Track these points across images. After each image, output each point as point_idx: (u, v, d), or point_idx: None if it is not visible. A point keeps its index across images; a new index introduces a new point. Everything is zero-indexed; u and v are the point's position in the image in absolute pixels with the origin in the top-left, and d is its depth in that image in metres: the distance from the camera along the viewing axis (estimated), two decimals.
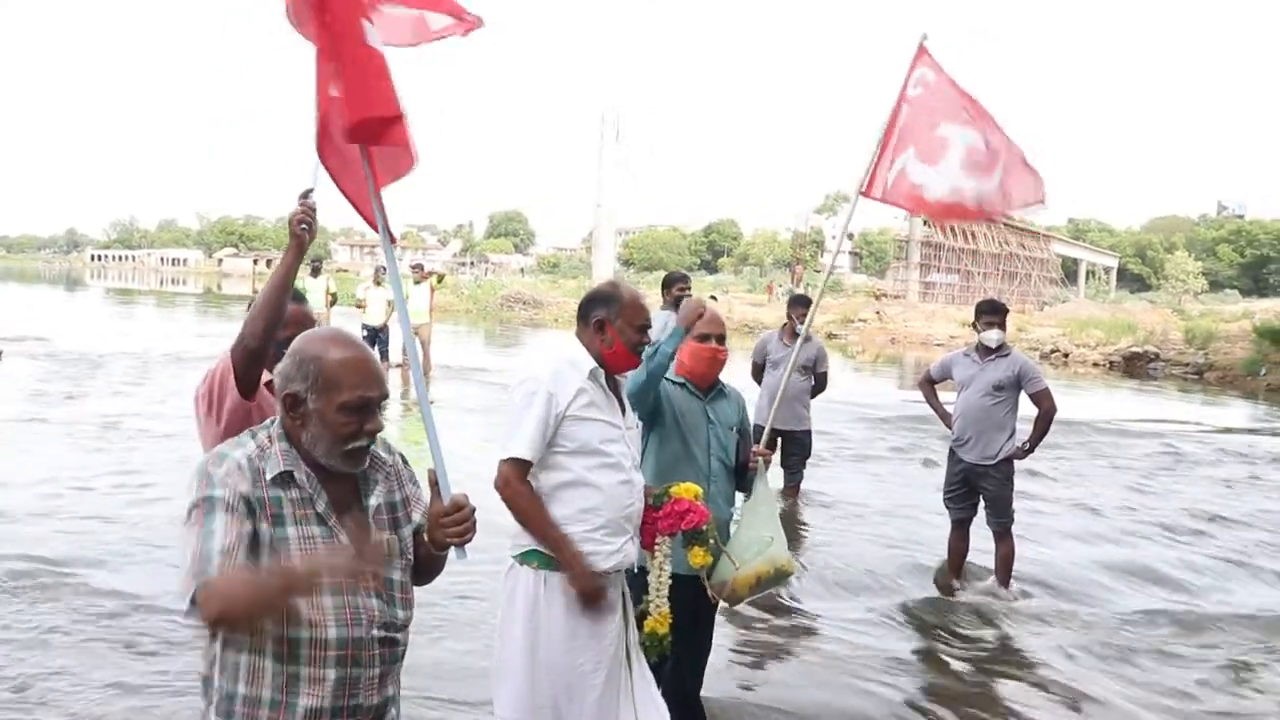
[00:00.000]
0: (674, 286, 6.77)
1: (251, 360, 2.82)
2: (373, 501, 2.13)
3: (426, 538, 2.18)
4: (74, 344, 18.38)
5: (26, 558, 5.85)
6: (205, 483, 1.95)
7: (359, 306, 14.79)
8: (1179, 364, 25.12)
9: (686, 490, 3.15)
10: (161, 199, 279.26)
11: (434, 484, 2.18)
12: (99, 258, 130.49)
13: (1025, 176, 4.58)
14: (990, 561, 6.39)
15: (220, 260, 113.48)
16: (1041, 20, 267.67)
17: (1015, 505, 6.34)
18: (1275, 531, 8.49)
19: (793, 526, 7.58)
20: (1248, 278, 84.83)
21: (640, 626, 3.18)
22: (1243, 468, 11.70)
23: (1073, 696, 4.89)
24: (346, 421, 2.02)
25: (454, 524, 2.14)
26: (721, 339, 3.77)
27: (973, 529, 6.45)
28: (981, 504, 6.31)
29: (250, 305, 3.04)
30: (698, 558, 3.20)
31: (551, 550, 2.98)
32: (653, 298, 5.20)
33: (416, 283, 15.26)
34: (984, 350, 6.25)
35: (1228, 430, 15.11)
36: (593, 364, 3.07)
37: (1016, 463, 6.27)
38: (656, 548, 3.18)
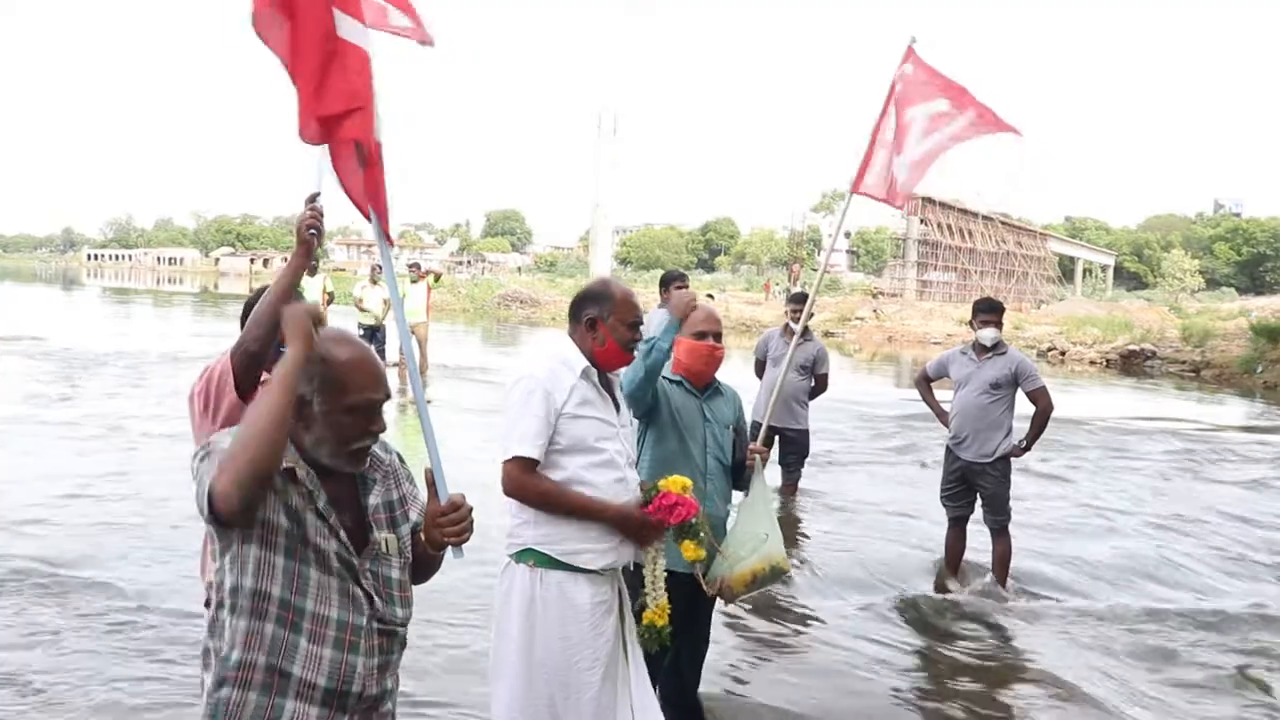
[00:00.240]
0: (671, 285, 6.79)
1: (252, 363, 2.83)
2: (371, 500, 2.14)
3: (423, 537, 2.19)
4: (71, 343, 18.37)
5: (27, 558, 5.85)
6: (213, 445, 1.97)
7: (357, 306, 14.78)
8: (1176, 362, 25.17)
9: (674, 483, 3.12)
10: (158, 198, 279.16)
11: (431, 483, 2.19)
12: (95, 257, 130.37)
13: (998, 122, 4.73)
14: (988, 559, 6.40)
15: (217, 259, 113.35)
16: (1040, 19, 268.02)
17: (1012, 503, 6.36)
18: (1277, 529, 8.50)
19: (790, 525, 7.59)
20: (1244, 276, 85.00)
21: (639, 621, 3.18)
22: (1242, 467, 11.71)
23: (1070, 694, 4.88)
24: (353, 423, 2.03)
25: (451, 523, 2.14)
26: (719, 337, 3.78)
27: (970, 527, 6.47)
28: (979, 502, 6.33)
29: (247, 305, 3.04)
30: (689, 551, 3.18)
31: (592, 517, 2.98)
32: (650, 297, 5.20)
33: (413, 281, 15.25)
34: (981, 348, 6.26)
35: (1226, 428, 15.14)
36: (585, 362, 3.07)
37: (1013, 460, 6.28)
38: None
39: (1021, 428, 6.28)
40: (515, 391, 3.02)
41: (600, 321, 3.10)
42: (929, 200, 51.74)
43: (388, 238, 2.66)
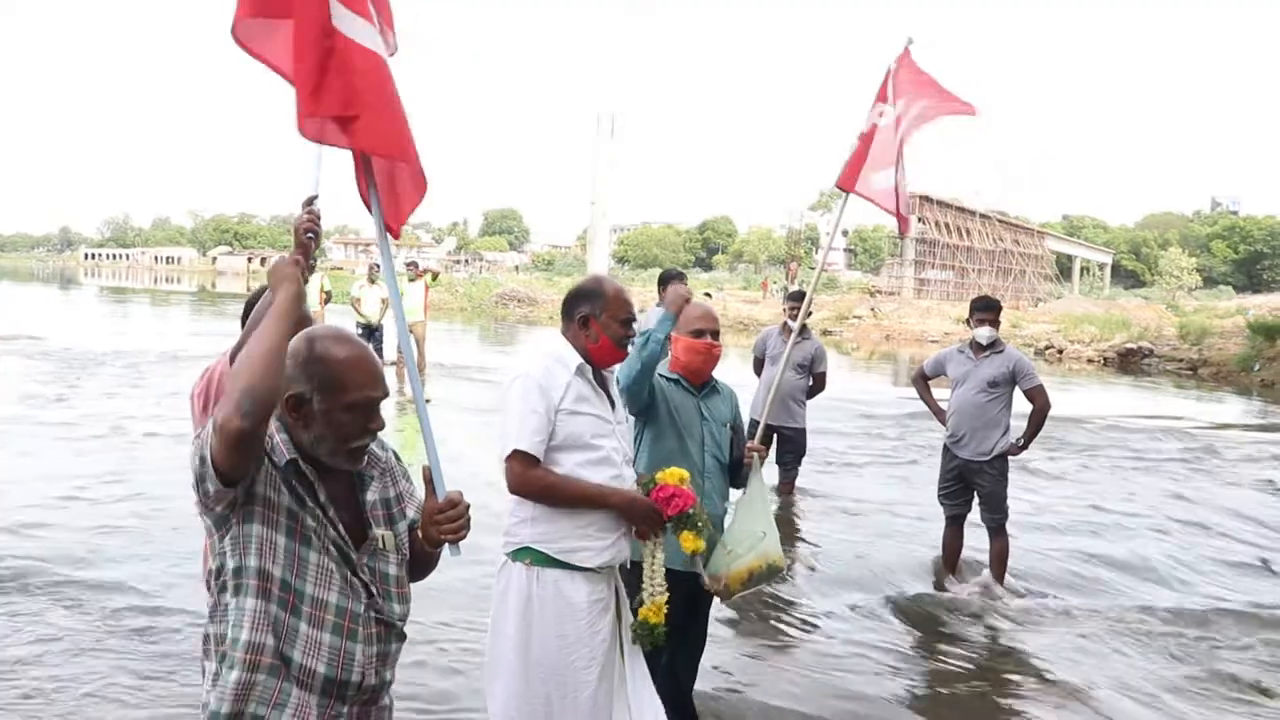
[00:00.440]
0: (669, 283, 6.79)
1: None
2: (368, 497, 2.15)
3: (420, 534, 2.19)
4: (70, 342, 18.35)
5: (27, 558, 5.85)
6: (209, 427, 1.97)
7: (354, 305, 14.76)
8: (1173, 360, 25.21)
9: (671, 475, 3.13)
10: (155, 197, 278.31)
11: (429, 481, 2.19)
12: (93, 256, 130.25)
13: (956, 104, 4.74)
14: (985, 558, 6.41)
15: (214, 258, 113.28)
16: (1037, 18, 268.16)
17: (1010, 501, 6.36)
18: (1277, 528, 8.51)
19: (788, 523, 7.60)
20: (1241, 274, 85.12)
21: (636, 617, 3.18)
22: (1245, 465, 11.71)
23: (1068, 692, 4.88)
24: (352, 421, 2.03)
25: (448, 521, 2.14)
26: (716, 335, 3.78)
27: (967, 525, 6.47)
28: (976, 500, 6.34)
29: (247, 304, 3.04)
30: (689, 542, 3.18)
31: (597, 505, 2.98)
32: (648, 295, 5.21)
33: (411, 280, 15.23)
34: (978, 347, 6.27)
35: (1226, 426, 15.16)
36: (579, 359, 3.07)
37: (1011, 459, 6.29)
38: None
39: (1019, 426, 6.29)
40: (513, 389, 3.02)
41: (593, 319, 3.10)
42: (926, 199, 51.74)
43: (392, 231, 2.63)
